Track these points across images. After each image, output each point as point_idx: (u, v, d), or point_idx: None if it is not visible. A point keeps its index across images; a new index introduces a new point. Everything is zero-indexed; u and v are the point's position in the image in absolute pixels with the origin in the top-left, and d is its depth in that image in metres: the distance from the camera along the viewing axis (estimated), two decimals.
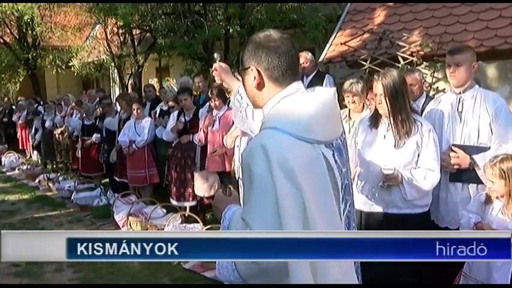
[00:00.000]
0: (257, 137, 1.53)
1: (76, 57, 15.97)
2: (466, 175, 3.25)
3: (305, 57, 5.58)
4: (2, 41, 15.89)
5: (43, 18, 15.26)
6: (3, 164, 11.05)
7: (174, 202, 5.70)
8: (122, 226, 5.68)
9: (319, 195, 1.43)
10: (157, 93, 7.83)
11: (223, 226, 1.63)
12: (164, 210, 5.67)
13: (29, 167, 10.06)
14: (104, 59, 15.39)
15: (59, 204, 7.32)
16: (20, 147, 12.01)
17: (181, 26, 9.77)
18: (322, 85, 5.50)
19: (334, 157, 1.53)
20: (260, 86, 1.58)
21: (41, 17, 14.91)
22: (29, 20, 14.47)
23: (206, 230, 4.76)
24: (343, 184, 1.57)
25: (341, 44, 6.56)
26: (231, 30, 9.61)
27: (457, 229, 3.16)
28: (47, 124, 9.87)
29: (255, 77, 1.57)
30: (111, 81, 16.91)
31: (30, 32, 15.89)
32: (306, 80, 5.44)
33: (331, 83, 5.57)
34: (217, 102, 5.20)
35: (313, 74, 5.61)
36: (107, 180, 7.79)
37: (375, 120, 3.20)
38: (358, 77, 5.37)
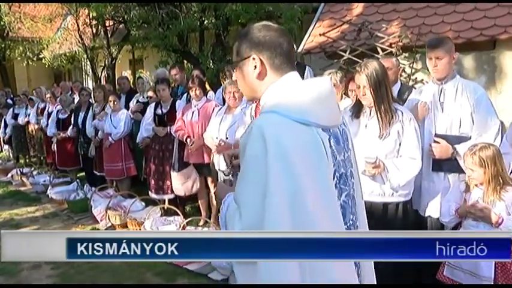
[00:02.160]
0: (256, 120, 1.55)
1: (47, 49, 15.65)
2: (448, 164, 3.30)
3: None
4: None
5: (11, 8, 14.85)
6: None
7: (153, 195, 5.62)
8: (101, 220, 5.60)
9: (315, 175, 1.45)
10: (132, 85, 7.71)
11: (222, 213, 1.64)
12: (143, 204, 5.60)
13: (0, 161, 9.79)
14: (76, 51, 15.17)
15: (33, 199, 7.15)
16: None
17: (156, 17, 9.61)
18: (303, 77, 5.49)
19: (329, 142, 1.54)
20: (261, 75, 1.58)
21: (8, 7, 14.50)
22: None
23: (187, 222, 4.72)
24: (337, 172, 1.57)
25: (320, 35, 6.55)
26: (206, 22, 9.51)
27: (438, 218, 3.22)
28: (20, 119, 9.58)
29: (255, 66, 1.58)
30: (84, 73, 16.65)
31: None
32: None
33: (311, 75, 5.56)
34: (197, 92, 5.14)
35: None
36: (83, 174, 7.66)
37: (356, 110, 3.22)
38: (337, 67, 5.39)
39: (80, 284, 4.15)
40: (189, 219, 4.80)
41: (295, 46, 5.58)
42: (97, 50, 14.24)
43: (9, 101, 10.83)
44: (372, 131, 3.11)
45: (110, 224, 5.45)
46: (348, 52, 5.70)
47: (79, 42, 14.17)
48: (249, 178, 1.46)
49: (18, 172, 8.39)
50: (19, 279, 4.35)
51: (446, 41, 3.39)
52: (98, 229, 5.49)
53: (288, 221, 1.38)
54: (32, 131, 9.15)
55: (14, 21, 15.43)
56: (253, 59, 1.58)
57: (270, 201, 1.38)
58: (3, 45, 15.64)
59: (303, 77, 5.19)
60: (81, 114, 7.05)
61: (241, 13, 8.67)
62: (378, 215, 3.13)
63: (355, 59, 5.43)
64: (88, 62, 14.95)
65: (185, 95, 5.73)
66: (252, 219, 1.42)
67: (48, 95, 8.52)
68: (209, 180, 5.28)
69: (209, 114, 5.01)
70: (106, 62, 13.78)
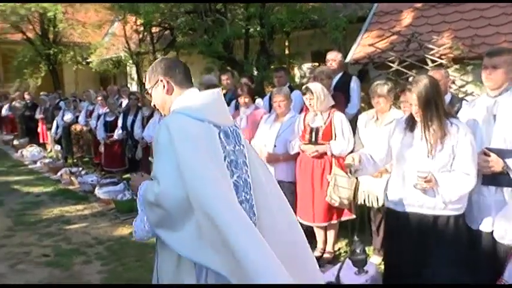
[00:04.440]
0: (163, 119, 2.04)
1: (95, 54, 16.15)
2: (500, 179, 3.23)
3: (335, 55, 5.58)
4: (25, 37, 16.10)
5: (65, 15, 15.46)
6: (24, 157, 11.16)
7: None
8: None
9: (210, 151, 1.96)
10: None
11: (139, 194, 2.09)
12: None
13: (51, 160, 10.15)
14: (122, 56, 15.54)
15: (81, 198, 7.40)
16: (41, 141, 12.13)
17: (202, 25, 9.82)
18: (349, 86, 5.52)
19: (219, 135, 2.06)
20: (169, 91, 2.16)
21: (63, 14, 15.09)
22: (51, 17, 14.64)
23: None
24: (227, 157, 2.05)
25: (368, 45, 6.55)
26: (251, 30, 9.64)
27: (491, 232, 3.17)
28: (67, 119, 9.93)
29: (164, 86, 2.17)
30: (129, 78, 17.03)
31: (52, 28, 16.12)
32: (334, 80, 5.41)
33: (358, 84, 5.57)
34: (246, 100, 5.24)
35: (341, 75, 5.62)
36: (128, 175, 7.86)
37: (411, 122, 3.20)
38: (384, 78, 5.37)
39: (80, 284, 4.27)
40: None
41: (340, 56, 5.62)
42: (142, 56, 14.54)
43: (61, 103, 11.24)
44: (425, 145, 3.09)
45: None
46: (396, 63, 5.68)
47: (125, 47, 14.49)
48: (162, 158, 1.93)
49: (67, 171, 8.67)
50: (72, 272, 4.55)
51: (506, 52, 3.31)
52: None
53: (201, 177, 1.85)
54: (80, 132, 9.45)
55: (67, 28, 16.04)
56: (161, 81, 2.17)
57: (185, 166, 1.84)
58: (55, 50, 16.23)
59: (349, 86, 5.22)
60: (130, 118, 7.26)
61: (286, 22, 8.77)
62: (428, 227, 3.11)
63: (404, 70, 5.42)
64: (133, 67, 15.31)
65: (233, 101, 5.83)
66: (169, 183, 1.87)
67: (99, 98, 8.80)
68: None
69: (257, 122, 5.08)
70: None
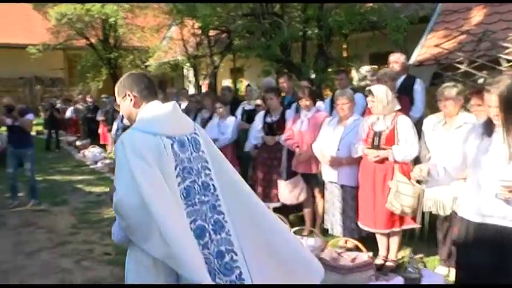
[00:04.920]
0: (121, 135, 2.28)
1: (153, 57, 16.53)
2: None
3: (398, 57, 5.39)
4: (88, 42, 16.76)
5: (125, 20, 15.94)
6: (86, 157, 11.54)
7: None
8: None
9: (159, 165, 2.15)
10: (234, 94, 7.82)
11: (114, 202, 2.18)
12: None
13: (111, 161, 10.44)
14: (179, 59, 15.80)
15: None
16: (102, 142, 12.51)
17: (259, 28, 9.79)
18: (412, 88, 5.31)
19: (172, 145, 2.24)
20: (136, 104, 2.38)
21: (123, 20, 15.57)
22: (113, 23, 15.16)
23: (292, 233, 4.70)
24: (179, 165, 2.24)
25: (434, 46, 6.28)
26: (308, 32, 9.52)
27: None
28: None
29: (131, 99, 2.38)
30: (186, 81, 17.32)
31: (113, 33, 16.67)
32: (397, 83, 5.22)
33: (422, 87, 5.35)
34: (307, 102, 5.16)
35: (404, 77, 5.41)
36: None
37: (488, 128, 2.99)
38: (449, 80, 5.12)
39: (80, 284, 4.29)
40: (295, 228, 4.78)
41: (403, 58, 5.42)
42: (200, 59, 14.71)
43: None
44: (507, 151, 2.86)
45: None
46: (465, 64, 5.40)
47: (183, 51, 14.72)
48: (119, 170, 2.15)
49: None
50: None
51: None
52: None
53: (146, 184, 2.05)
54: None
55: (126, 32, 16.55)
56: (128, 95, 2.39)
57: (136, 175, 2.06)
58: (116, 55, 16.77)
59: (412, 88, 5.05)
60: None
61: (344, 24, 8.58)
62: (508, 240, 2.89)
63: (474, 71, 5.14)
64: (191, 70, 15.55)
65: (294, 104, 5.75)
66: (123, 192, 2.08)
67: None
68: (316, 190, 5.24)
69: (319, 125, 4.98)
70: (208, 70, 14.20)
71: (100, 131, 12.66)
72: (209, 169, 2.33)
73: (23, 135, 7.03)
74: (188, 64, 15.25)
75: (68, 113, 15.01)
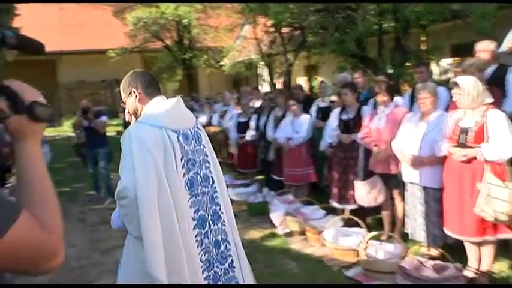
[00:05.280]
0: (129, 128, 2.36)
1: (227, 57, 16.69)
2: None
3: (487, 45, 4.93)
4: (164, 44, 17.27)
5: (198, 21, 16.26)
6: None
7: (334, 204, 5.42)
8: (279, 225, 5.59)
9: (164, 157, 2.25)
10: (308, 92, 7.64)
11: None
12: (324, 212, 5.45)
13: None
14: (253, 58, 15.86)
15: None
16: None
17: (333, 23, 9.52)
18: (504, 78, 4.82)
19: (177, 138, 2.34)
20: (141, 100, 2.48)
21: (196, 21, 15.86)
22: (186, 24, 15.49)
23: (370, 238, 4.43)
24: (185, 157, 2.34)
25: None
26: (384, 25, 9.10)
27: None
28: (201, 121, 10.30)
29: (136, 96, 2.48)
30: (260, 79, 17.34)
31: (187, 34, 17.02)
32: (486, 73, 4.76)
33: None
34: (385, 98, 4.85)
35: (495, 67, 4.93)
36: (260, 176, 7.87)
37: None
38: None
39: (80, 284, 4.23)
40: (373, 233, 4.51)
41: (493, 45, 4.96)
42: (273, 57, 14.67)
43: (195, 105, 11.73)
44: None
45: (288, 230, 5.43)
46: None
47: (256, 49, 14.73)
48: (124, 161, 2.24)
49: None
50: None
51: None
52: (275, 234, 5.53)
53: (147, 176, 2.16)
54: (213, 133, 9.71)
55: (200, 33, 16.89)
56: (134, 92, 2.50)
57: (136, 168, 2.17)
58: (190, 55, 17.10)
59: (504, 78, 4.56)
60: (263, 118, 7.22)
61: (423, 14, 8.08)
62: None
63: None
64: (265, 69, 15.55)
65: (371, 100, 5.45)
66: (128, 180, 2.17)
67: (233, 99, 8.96)
68: (395, 192, 4.91)
69: (398, 121, 4.66)
70: (282, 69, 14.12)
71: None
72: (209, 162, 2.50)
73: (97, 136, 7.29)
74: (262, 63, 15.28)
75: None
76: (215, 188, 2.47)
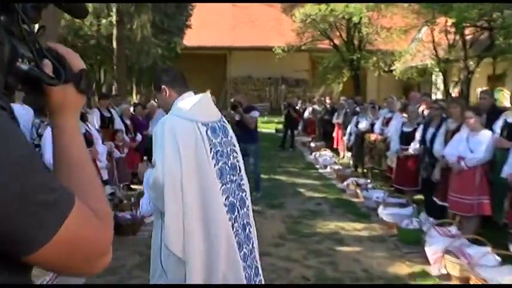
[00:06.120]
0: (162, 119, 2.62)
1: (399, 61, 15.60)
2: None
3: None
4: (332, 43, 16.86)
5: (370, 20, 15.49)
6: (317, 160, 11.21)
7: None
8: (434, 263, 4.49)
9: (193, 147, 2.45)
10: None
11: (145, 178, 2.84)
12: (499, 259, 4.17)
13: (340, 167, 9.84)
14: (428, 64, 14.65)
15: (363, 215, 6.62)
16: (334, 146, 12.08)
17: None
18: None
19: (206, 132, 2.52)
20: (171, 96, 2.72)
21: (368, 19, 15.13)
22: (356, 22, 14.80)
23: None
24: (213, 148, 2.51)
25: None
26: None
27: None
28: (362, 127, 9.43)
29: (166, 92, 2.72)
30: (434, 87, 15.94)
31: (357, 34, 16.48)
32: None
33: None
34: None
35: None
36: (420, 197, 6.73)
37: None
38: None
39: (80, 284, 4.02)
40: None
41: None
42: (451, 63, 13.32)
43: (358, 109, 10.88)
44: None
45: (445, 272, 4.31)
46: None
47: (432, 54, 13.57)
48: (158, 150, 2.47)
49: (354, 182, 8.08)
50: None
51: None
52: (428, 273, 4.46)
53: (175, 162, 2.41)
54: (374, 141, 8.76)
55: (371, 33, 16.12)
56: (164, 88, 2.74)
57: (166, 155, 2.43)
58: (359, 56, 16.44)
59: None
60: (431, 130, 6.08)
61: None
62: None
63: None
64: (439, 75, 14.22)
65: None
66: (164, 166, 2.41)
67: (398, 106, 7.98)
68: None
69: None
70: (460, 76, 12.66)
71: (335, 134, 12.24)
72: (236, 152, 2.69)
73: (247, 131, 7.20)
74: (437, 69, 13.92)
75: (306, 114, 15.27)
76: (242, 175, 2.67)
